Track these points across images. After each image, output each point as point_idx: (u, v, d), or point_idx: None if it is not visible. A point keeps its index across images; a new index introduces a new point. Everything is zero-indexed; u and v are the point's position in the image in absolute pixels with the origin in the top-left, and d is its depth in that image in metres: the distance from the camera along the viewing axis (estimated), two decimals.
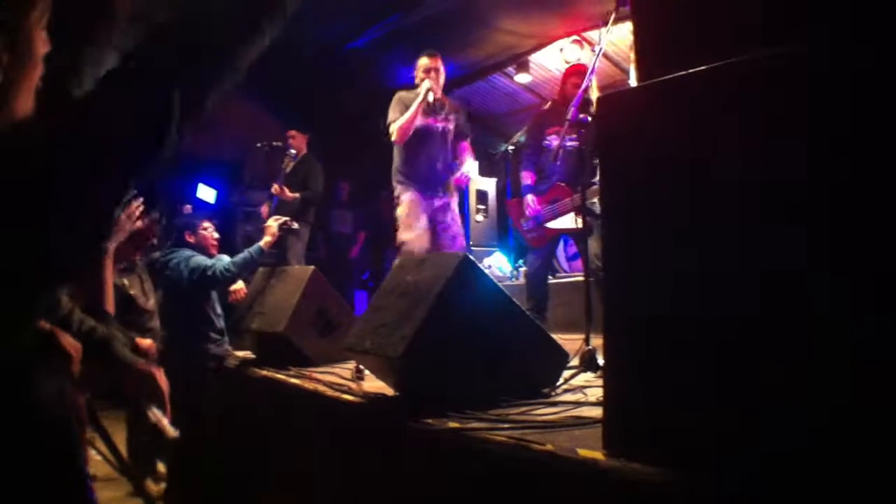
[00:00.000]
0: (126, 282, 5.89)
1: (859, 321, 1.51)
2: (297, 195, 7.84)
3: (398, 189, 6.07)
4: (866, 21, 1.68)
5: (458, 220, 6.14)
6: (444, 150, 6.04)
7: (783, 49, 1.71)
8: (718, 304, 1.79)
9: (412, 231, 5.84)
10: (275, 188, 7.76)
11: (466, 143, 6.21)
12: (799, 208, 1.65)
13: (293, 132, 8.26)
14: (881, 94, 1.54)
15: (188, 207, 8.15)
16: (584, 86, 4.26)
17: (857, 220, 1.55)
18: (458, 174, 6.02)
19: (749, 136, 1.78)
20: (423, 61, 6.09)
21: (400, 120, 5.86)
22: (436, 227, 5.97)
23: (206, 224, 6.11)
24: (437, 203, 5.98)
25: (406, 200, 5.93)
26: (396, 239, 6.00)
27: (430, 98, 5.84)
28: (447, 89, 6.42)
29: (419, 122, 5.90)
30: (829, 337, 1.56)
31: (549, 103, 6.57)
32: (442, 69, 6.11)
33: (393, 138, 5.97)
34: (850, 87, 1.60)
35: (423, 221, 5.91)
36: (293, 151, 8.05)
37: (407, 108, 5.88)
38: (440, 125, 6.03)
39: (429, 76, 5.98)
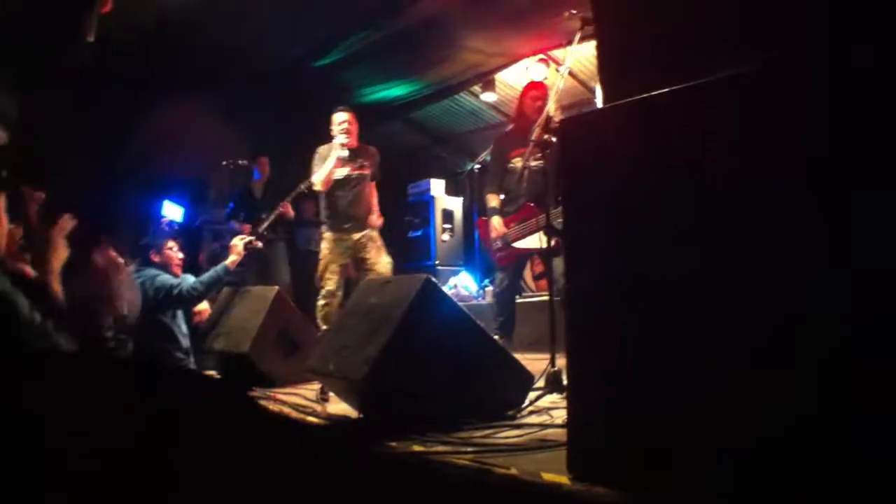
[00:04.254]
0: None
1: (843, 324, 1.52)
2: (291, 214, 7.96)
3: (324, 229, 6.61)
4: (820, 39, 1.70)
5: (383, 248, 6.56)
6: (359, 191, 6.56)
7: (744, 68, 1.72)
8: (681, 321, 1.79)
9: (327, 269, 6.32)
10: (284, 206, 7.79)
11: (373, 185, 6.73)
12: (761, 220, 1.66)
13: (265, 159, 8.48)
14: (839, 107, 1.56)
15: (166, 220, 8.10)
16: (548, 105, 4.27)
17: (832, 224, 1.55)
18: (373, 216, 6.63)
19: (710, 153, 1.78)
20: (337, 116, 6.55)
21: (320, 173, 6.39)
22: (359, 257, 6.44)
23: (171, 244, 6.07)
24: (357, 236, 6.39)
25: (327, 239, 6.45)
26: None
27: (345, 154, 6.39)
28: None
29: (338, 172, 6.43)
30: (801, 346, 1.56)
31: (511, 126, 6.56)
32: (355, 122, 6.56)
33: (317, 188, 6.51)
34: (806, 101, 1.61)
35: (342, 259, 6.38)
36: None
37: (325, 160, 6.41)
38: (355, 172, 6.51)
39: (343, 130, 6.46)
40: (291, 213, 7.86)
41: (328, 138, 6.40)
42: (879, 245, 1.48)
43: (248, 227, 7.84)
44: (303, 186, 7.82)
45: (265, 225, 7.57)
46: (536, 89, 5.95)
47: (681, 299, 1.80)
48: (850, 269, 1.51)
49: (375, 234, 6.52)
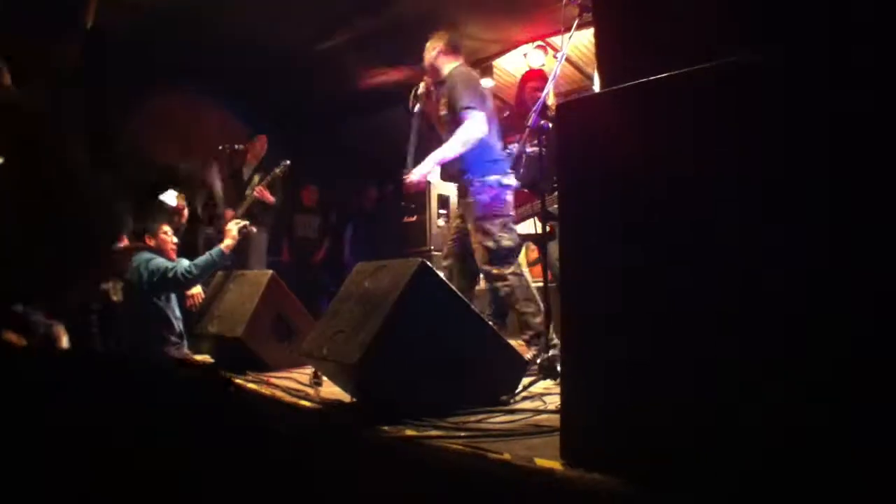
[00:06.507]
0: (111, 287, 5.87)
1: (845, 324, 1.52)
2: (274, 199, 7.83)
3: None
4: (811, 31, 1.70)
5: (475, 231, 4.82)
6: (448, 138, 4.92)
7: (737, 57, 1.71)
8: (679, 311, 1.79)
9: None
10: (258, 191, 7.67)
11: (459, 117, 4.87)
12: (755, 204, 1.66)
13: (263, 137, 8.28)
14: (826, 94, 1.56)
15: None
16: (545, 91, 4.25)
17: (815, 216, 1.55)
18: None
19: (703, 139, 1.78)
20: None
21: None
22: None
23: (166, 228, 6.06)
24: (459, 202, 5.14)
25: None
26: None
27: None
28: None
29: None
30: (803, 342, 1.56)
31: (507, 112, 6.52)
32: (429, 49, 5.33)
33: None
34: (803, 95, 1.61)
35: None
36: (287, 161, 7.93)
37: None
38: (440, 112, 5.17)
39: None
40: (270, 198, 7.78)
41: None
42: (880, 244, 1.48)
43: (230, 212, 7.82)
44: (277, 170, 7.78)
45: (240, 211, 7.56)
46: (536, 78, 5.93)
47: (678, 287, 1.80)
48: (850, 268, 1.51)
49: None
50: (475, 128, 4.76)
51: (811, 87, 1.61)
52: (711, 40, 1.99)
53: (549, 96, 4.33)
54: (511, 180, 4.90)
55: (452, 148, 4.78)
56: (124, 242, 6.18)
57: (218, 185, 8.19)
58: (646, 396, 1.84)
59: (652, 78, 1.89)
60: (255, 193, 7.67)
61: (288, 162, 7.77)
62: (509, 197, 4.92)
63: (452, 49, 5.38)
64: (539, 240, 5.00)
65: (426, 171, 4.89)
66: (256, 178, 7.93)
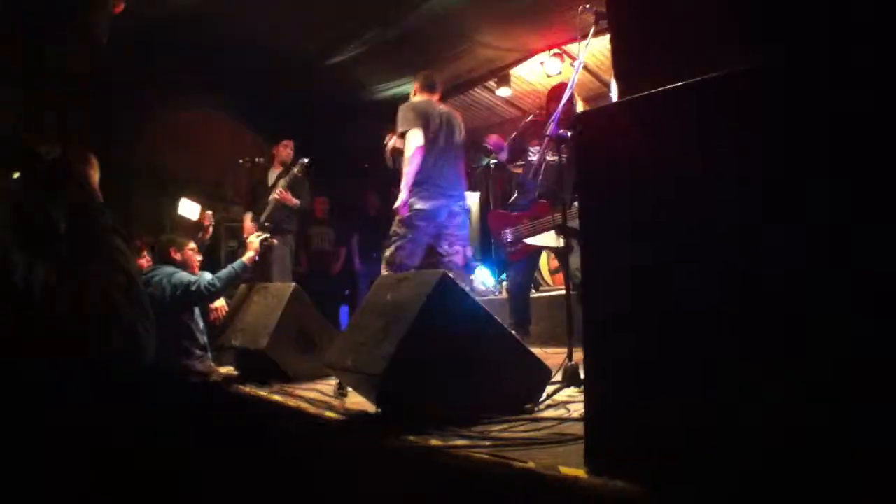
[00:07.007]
0: None
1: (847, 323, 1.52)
2: (297, 202, 7.84)
3: None
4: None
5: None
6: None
7: (751, 64, 1.72)
8: (701, 316, 1.79)
9: None
10: (279, 192, 7.69)
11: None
12: (755, 204, 1.67)
13: (287, 142, 8.31)
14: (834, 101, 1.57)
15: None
16: (563, 100, 4.27)
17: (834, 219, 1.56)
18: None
19: (706, 140, 1.79)
20: None
21: None
22: None
23: (192, 245, 6.12)
24: None
25: None
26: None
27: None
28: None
29: None
30: (805, 337, 1.57)
31: (532, 116, 6.52)
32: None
33: None
34: (809, 100, 1.62)
35: None
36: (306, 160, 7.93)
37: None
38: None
39: None
40: (293, 200, 7.80)
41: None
42: (880, 244, 1.48)
43: (248, 220, 7.88)
44: (296, 170, 7.79)
45: (263, 216, 7.58)
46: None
47: (699, 293, 1.81)
48: (850, 268, 1.52)
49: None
50: (409, 144, 5.71)
51: (811, 87, 1.63)
52: (730, 47, 2.00)
53: (578, 104, 4.36)
54: (423, 205, 5.71)
55: (405, 171, 5.69)
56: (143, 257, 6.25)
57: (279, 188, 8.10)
58: (670, 404, 1.84)
59: (666, 87, 1.90)
60: (276, 196, 7.69)
61: (307, 160, 7.79)
62: (417, 220, 5.73)
63: (424, 88, 6.37)
64: (559, 251, 5.02)
65: (404, 197, 5.66)
66: (281, 182, 7.94)
